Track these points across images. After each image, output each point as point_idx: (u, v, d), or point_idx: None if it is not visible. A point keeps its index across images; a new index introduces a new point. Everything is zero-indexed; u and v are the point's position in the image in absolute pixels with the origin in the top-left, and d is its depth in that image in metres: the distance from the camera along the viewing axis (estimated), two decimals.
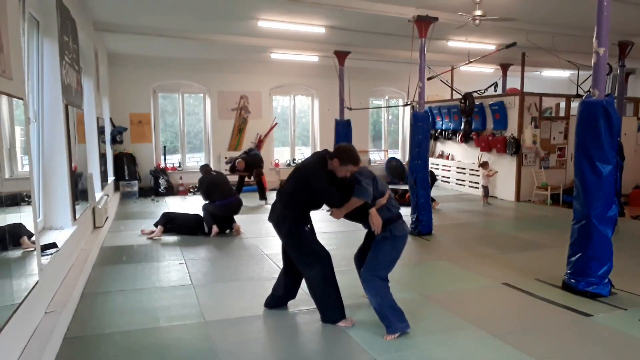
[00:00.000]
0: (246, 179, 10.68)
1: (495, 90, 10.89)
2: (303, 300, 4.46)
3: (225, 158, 12.08)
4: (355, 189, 3.63)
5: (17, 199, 3.12)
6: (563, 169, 10.93)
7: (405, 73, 8.33)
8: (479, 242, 6.89)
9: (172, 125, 12.80)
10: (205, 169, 7.92)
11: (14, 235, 3.02)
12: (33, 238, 3.37)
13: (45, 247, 4.08)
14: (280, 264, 5.56)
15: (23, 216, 3.20)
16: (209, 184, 7.46)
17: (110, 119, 10.92)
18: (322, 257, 3.91)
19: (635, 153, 11.42)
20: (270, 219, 4.03)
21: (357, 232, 4.10)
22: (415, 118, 7.31)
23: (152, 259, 5.96)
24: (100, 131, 8.44)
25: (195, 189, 11.88)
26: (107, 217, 7.49)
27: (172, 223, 7.26)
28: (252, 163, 10.35)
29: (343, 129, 10.61)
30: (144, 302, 4.45)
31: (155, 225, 7.21)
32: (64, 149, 4.97)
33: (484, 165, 10.60)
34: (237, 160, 10.29)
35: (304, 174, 3.89)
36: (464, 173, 12.10)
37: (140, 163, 11.89)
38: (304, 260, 3.93)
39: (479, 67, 12.50)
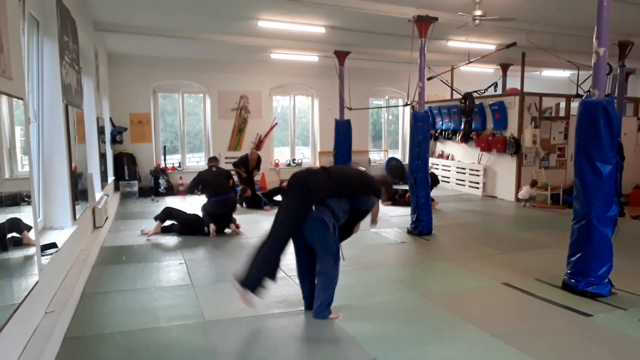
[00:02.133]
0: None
1: (495, 90, 10.89)
2: (302, 300, 4.46)
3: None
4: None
5: (17, 199, 3.12)
6: (563, 169, 10.93)
7: (405, 73, 8.33)
8: (479, 242, 6.89)
9: (172, 125, 12.80)
10: (210, 162, 7.97)
11: (12, 231, 3.01)
12: (33, 237, 3.37)
13: (45, 247, 4.08)
14: (280, 264, 5.59)
15: (23, 216, 3.20)
16: (204, 179, 7.53)
17: (110, 119, 10.92)
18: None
19: (635, 153, 11.42)
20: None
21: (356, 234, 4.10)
22: (415, 118, 7.31)
23: (152, 259, 5.96)
24: (100, 131, 8.43)
25: None
26: (107, 217, 7.49)
27: (172, 219, 7.28)
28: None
29: (343, 129, 10.62)
30: (144, 302, 4.45)
31: (156, 218, 7.24)
32: (64, 149, 4.97)
33: (533, 184, 9.96)
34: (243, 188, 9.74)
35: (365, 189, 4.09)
36: (464, 173, 12.09)
37: (140, 163, 11.89)
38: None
39: (479, 67, 12.50)
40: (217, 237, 7.12)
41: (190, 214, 7.52)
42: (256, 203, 9.64)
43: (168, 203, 10.30)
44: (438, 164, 12.94)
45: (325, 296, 4.00)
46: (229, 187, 7.73)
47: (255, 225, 7.95)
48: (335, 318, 4.01)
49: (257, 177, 10.87)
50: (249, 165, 10.07)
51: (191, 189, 7.61)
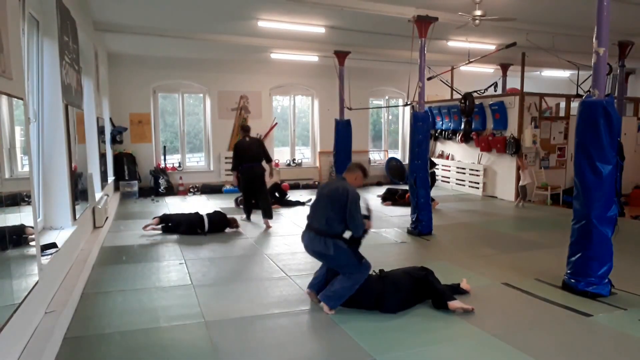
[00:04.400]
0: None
1: (495, 90, 10.89)
2: (302, 300, 4.48)
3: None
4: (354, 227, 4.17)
5: (17, 199, 3.12)
6: (563, 169, 10.93)
7: (405, 73, 8.33)
8: (479, 242, 6.89)
9: (172, 125, 12.80)
10: (244, 133, 8.28)
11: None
12: (33, 237, 3.37)
13: (45, 247, 4.08)
14: (280, 265, 5.63)
15: (23, 216, 3.20)
16: (240, 149, 8.01)
17: (110, 119, 10.92)
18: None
19: (635, 153, 11.42)
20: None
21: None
22: (415, 118, 7.30)
23: (152, 259, 5.96)
24: (100, 131, 8.44)
25: (196, 189, 11.93)
26: (107, 217, 7.50)
27: (170, 222, 7.30)
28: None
29: (343, 129, 10.61)
30: (144, 302, 4.45)
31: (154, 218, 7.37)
32: (64, 149, 4.98)
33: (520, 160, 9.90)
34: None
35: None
36: (464, 173, 12.10)
37: (140, 163, 11.89)
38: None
39: (479, 67, 12.50)
40: (217, 237, 7.13)
41: (188, 213, 7.55)
42: (257, 204, 9.63)
43: (168, 203, 10.33)
44: (438, 164, 12.93)
45: (344, 289, 4.13)
46: (259, 156, 8.05)
47: (253, 226, 7.97)
48: (330, 314, 4.12)
49: None
50: None
51: (235, 165, 8.05)
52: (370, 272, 4.36)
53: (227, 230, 7.47)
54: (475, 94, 10.62)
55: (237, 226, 7.55)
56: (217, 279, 5.22)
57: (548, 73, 14.27)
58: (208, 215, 7.46)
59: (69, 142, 5.07)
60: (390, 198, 10.42)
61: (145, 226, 7.30)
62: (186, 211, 8.01)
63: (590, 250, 4.52)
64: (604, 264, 4.51)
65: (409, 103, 8.17)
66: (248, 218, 8.38)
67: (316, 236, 4.20)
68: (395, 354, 3.43)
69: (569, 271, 4.73)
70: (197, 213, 7.53)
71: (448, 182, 12.62)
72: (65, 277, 4.50)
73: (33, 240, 3.39)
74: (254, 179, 7.99)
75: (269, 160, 8.18)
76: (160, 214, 7.77)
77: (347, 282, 4.16)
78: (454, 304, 4.16)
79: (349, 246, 4.19)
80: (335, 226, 4.15)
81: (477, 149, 11.55)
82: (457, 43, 9.83)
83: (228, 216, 7.62)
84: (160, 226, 7.31)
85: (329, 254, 4.14)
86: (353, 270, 4.18)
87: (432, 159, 10.49)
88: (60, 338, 3.55)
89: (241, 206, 9.08)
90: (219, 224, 7.44)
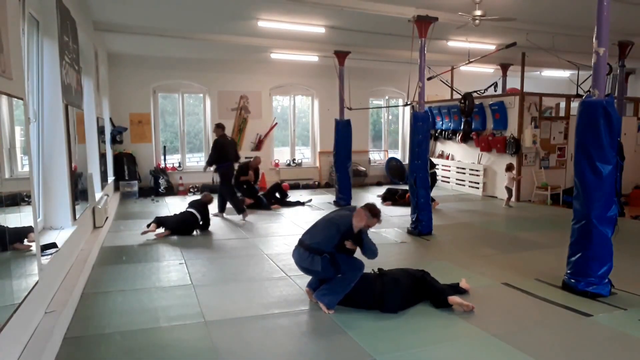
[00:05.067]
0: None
1: (495, 90, 10.89)
2: (302, 300, 4.48)
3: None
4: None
5: (17, 199, 3.12)
6: (563, 169, 10.93)
7: (405, 73, 8.33)
8: (479, 242, 6.89)
9: (172, 125, 12.80)
10: (222, 130, 8.67)
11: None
12: (33, 238, 3.37)
13: (45, 247, 4.08)
14: (280, 265, 5.64)
15: (23, 216, 3.20)
16: (224, 145, 8.52)
17: (110, 119, 10.92)
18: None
19: (635, 153, 11.42)
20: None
21: None
22: (415, 118, 7.31)
23: (152, 259, 5.96)
24: (100, 131, 8.44)
25: (196, 189, 11.93)
26: (107, 217, 7.49)
27: (163, 226, 7.21)
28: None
29: (343, 129, 10.59)
30: (144, 302, 4.45)
31: (148, 225, 7.19)
32: (64, 149, 4.98)
33: (509, 168, 10.06)
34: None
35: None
36: (464, 173, 12.10)
37: (140, 163, 11.89)
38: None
39: (479, 67, 12.50)
40: (217, 237, 7.13)
41: (179, 215, 7.55)
42: (257, 204, 9.66)
43: (168, 203, 10.33)
44: (438, 164, 12.93)
45: (338, 286, 4.18)
46: (234, 156, 8.81)
47: (253, 226, 7.97)
48: (330, 314, 4.14)
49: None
50: (248, 169, 9.93)
51: (213, 161, 8.54)
52: (369, 271, 4.37)
53: (210, 207, 7.89)
54: (475, 94, 10.61)
55: (210, 199, 8.03)
56: (217, 279, 5.22)
57: (548, 73, 14.27)
58: (196, 209, 7.54)
59: (69, 142, 5.07)
60: (390, 198, 10.42)
61: (144, 232, 7.05)
62: (182, 211, 7.94)
63: (590, 250, 4.52)
64: (604, 264, 4.51)
65: (409, 103, 8.17)
66: (243, 212, 8.48)
67: (305, 252, 4.28)
68: (395, 354, 3.43)
69: (569, 271, 4.73)
70: (188, 212, 7.51)
71: (448, 182, 12.62)
72: (65, 277, 4.50)
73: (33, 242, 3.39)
74: (233, 177, 8.90)
75: (238, 159, 9.02)
76: (160, 214, 7.75)
77: (341, 280, 4.20)
78: (454, 298, 4.21)
79: (338, 256, 4.22)
80: (327, 245, 4.22)
81: (477, 149, 11.55)
82: (457, 43, 9.83)
83: (200, 198, 8.02)
84: (160, 231, 7.13)
85: (317, 269, 4.21)
86: (344, 273, 4.23)
87: (432, 159, 10.52)
88: (60, 338, 3.55)
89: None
90: (205, 210, 7.68)
